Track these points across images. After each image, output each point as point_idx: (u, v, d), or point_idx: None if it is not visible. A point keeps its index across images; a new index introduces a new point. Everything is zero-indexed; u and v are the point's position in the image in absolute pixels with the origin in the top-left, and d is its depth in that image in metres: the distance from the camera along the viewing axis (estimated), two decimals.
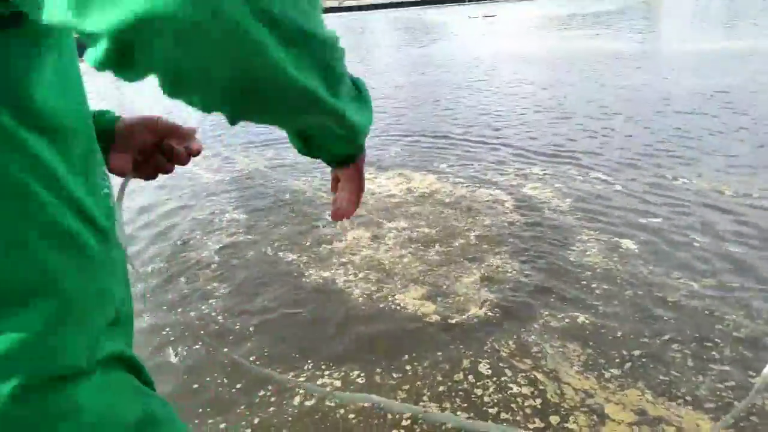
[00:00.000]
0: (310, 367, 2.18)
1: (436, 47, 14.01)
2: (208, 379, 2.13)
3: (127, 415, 0.56)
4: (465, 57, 11.79)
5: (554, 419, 1.85)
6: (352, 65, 0.48)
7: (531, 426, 1.82)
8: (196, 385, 2.11)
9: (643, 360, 2.10)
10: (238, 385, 2.08)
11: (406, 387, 2.06)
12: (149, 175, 0.80)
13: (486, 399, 1.97)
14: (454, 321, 2.44)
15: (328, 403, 1.96)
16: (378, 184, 4.34)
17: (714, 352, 2.12)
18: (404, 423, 1.87)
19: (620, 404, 1.89)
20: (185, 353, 2.31)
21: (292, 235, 3.46)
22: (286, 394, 2.02)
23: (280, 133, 6.76)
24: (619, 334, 2.27)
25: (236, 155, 5.41)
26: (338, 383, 2.09)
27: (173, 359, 2.28)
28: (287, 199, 4.13)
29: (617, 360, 2.12)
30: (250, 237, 3.45)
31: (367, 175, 4.26)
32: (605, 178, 4.24)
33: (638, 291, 2.58)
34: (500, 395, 1.98)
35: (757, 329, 2.26)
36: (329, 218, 3.69)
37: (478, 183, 4.24)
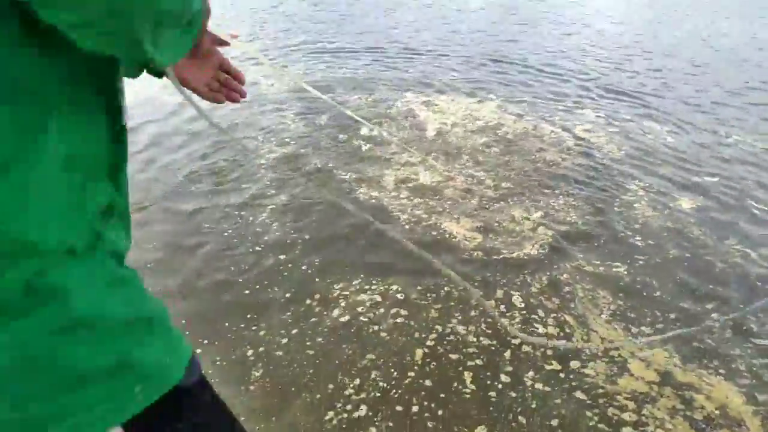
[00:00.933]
0: (359, 279, 2.11)
1: None
2: (258, 286, 2.05)
3: (117, 311, 0.51)
4: None
5: (574, 363, 1.72)
6: None
7: (548, 367, 1.71)
8: (247, 291, 2.04)
9: (678, 324, 1.87)
10: (288, 294, 2.02)
11: (438, 306, 1.97)
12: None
13: (509, 329, 1.85)
14: (498, 255, 2.27)
15: (362, 318, 1.92)
16: (437, 108, 3.99)
17: (755, 327, 1.86)
18: (428, 343, 1.81)
19: (645, 362, 1.72)
20: (240, 257, 2.23)
21: (347, 151, 3.27)
22: (330, 306, 1.99)
23: (338, 45, 6.21)
24: (656, 293, 2.03)
25: (293, 66, 5.07)
26: (378, 298, 2.03)
27: (226, 262, 2.22)
28: (342, 115, 3.83)
29: (649, 318, 1.91)
30: (303, 150, 3.26)
31: (427, 98, 3.74)
32: (663, 128, 3.67)
33: (685, 252, 2.28)
34: (525, 326, 1.85)
35: None
36: (381, 136, 3.47)
37: (536, 117, 3.80)
